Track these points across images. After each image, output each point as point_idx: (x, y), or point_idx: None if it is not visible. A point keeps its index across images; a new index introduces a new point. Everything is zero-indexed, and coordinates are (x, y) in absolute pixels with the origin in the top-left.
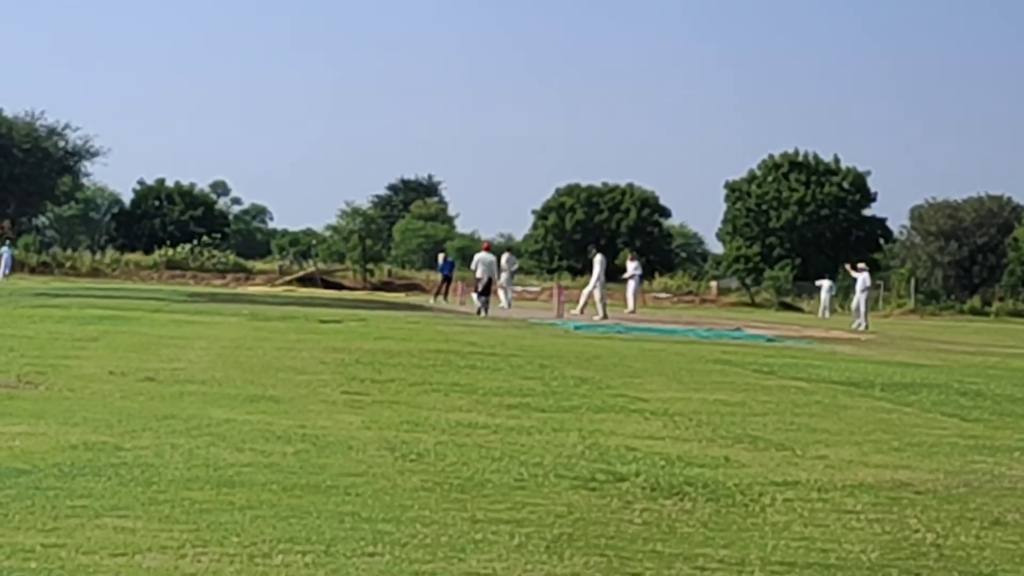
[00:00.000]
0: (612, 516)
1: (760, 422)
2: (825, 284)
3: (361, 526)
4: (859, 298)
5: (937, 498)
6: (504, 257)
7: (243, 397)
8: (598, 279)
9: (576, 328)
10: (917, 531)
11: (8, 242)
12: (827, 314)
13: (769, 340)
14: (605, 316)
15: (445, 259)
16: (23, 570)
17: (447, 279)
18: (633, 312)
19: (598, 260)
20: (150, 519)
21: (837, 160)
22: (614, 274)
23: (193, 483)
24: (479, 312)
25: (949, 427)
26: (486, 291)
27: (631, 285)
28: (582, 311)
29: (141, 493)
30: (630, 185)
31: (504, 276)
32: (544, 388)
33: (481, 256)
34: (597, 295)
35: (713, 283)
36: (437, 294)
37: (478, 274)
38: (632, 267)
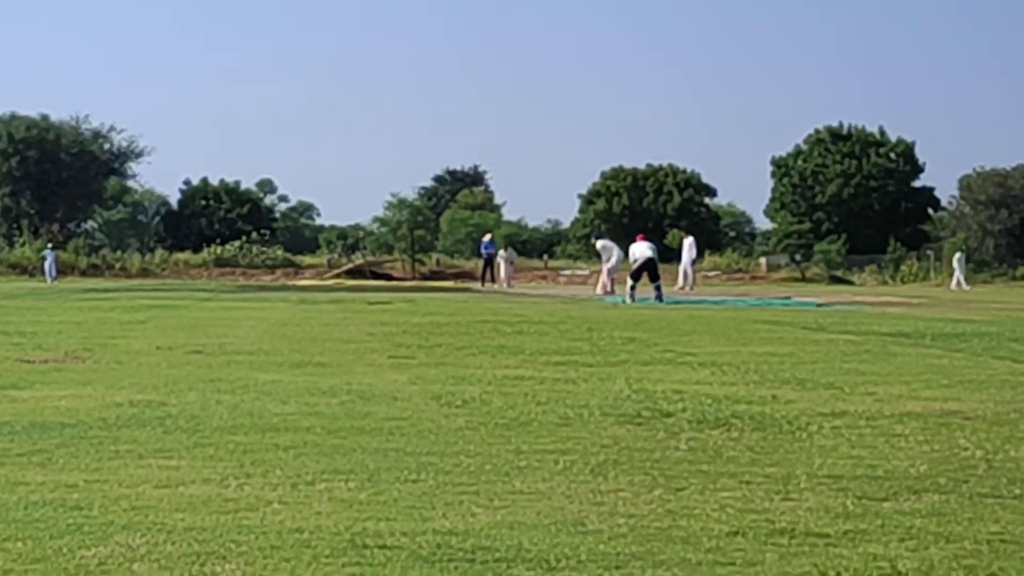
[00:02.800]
0: (658, 444)
1: (808, 368)
2: (957, 256)
3: (405, 459)
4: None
5: (987, 422)
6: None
7: (290, 364)
8: (609, 261)
9: (624, 302)
10: (966, 449)
11: (50, 245)
12: (966, 286)
13: (819, 306)
14: (611, 292)
15: (489, 241)
16: (66, 500)
17: (488, 261)
18: (682, 288)
19: (600, 245)
20: (194, 459)
21: (883, 131)
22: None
23: (238, 430)
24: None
25: (1000, 368)
26: None
27: (684, 262)
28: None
29: (186, 439)
30: (672, 166)
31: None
32: (591, 347)
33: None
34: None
35: (763, 259)
36: (483, 279)
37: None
38: (685, 245)
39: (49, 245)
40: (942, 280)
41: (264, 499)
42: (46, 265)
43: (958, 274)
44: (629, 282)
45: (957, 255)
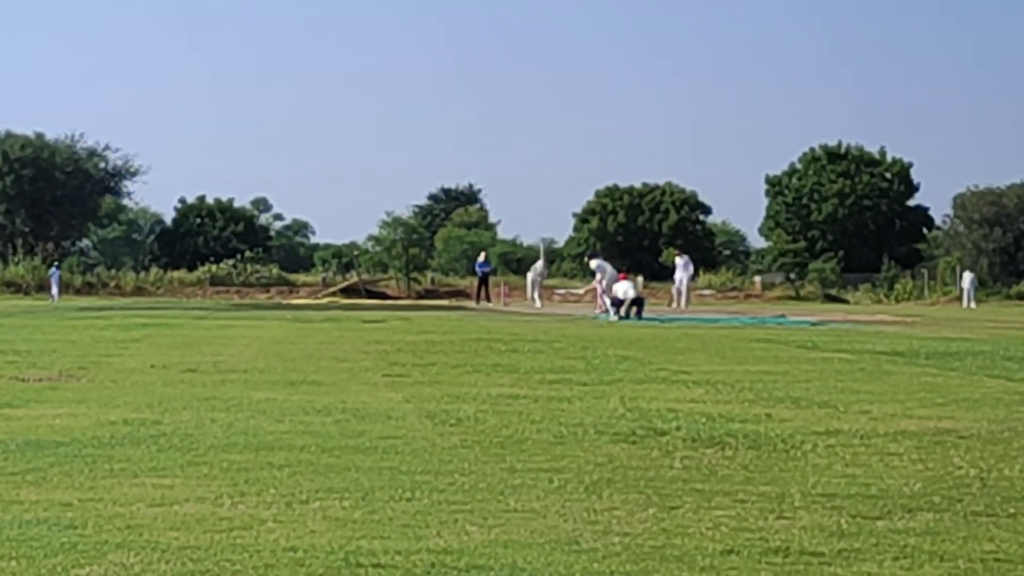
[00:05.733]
0: (652, 463)
1: (803, 387)
2: (967, 276)
3: (399, 478)
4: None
5: (981, 441)
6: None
7: (284, 382)
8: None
9: (619, 320)
10: (961, 468)
11: (55, 264)
12: (972, 304)
13: (813, 324)
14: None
15: (484, 259)
16: (60, 519)
17: (483, 280)
18: (677, 307)
19: (595, 265)
20: (188, 478)
21: (883, 151)
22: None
23: (232, 448)
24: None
25: (994, 386)
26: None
27: (679, 281)
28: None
29: (180, 457)
30: (669, 184)
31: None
32: (586, 366)
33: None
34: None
35: (757, 278)
36: (478, 298)
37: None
38: (680, 263)
39: (55, 264)
40: (936, 299)
41: (258, 518)
42: (52, 283)
43: (969, 293)
44: (612, 308)
45: (968, 275)
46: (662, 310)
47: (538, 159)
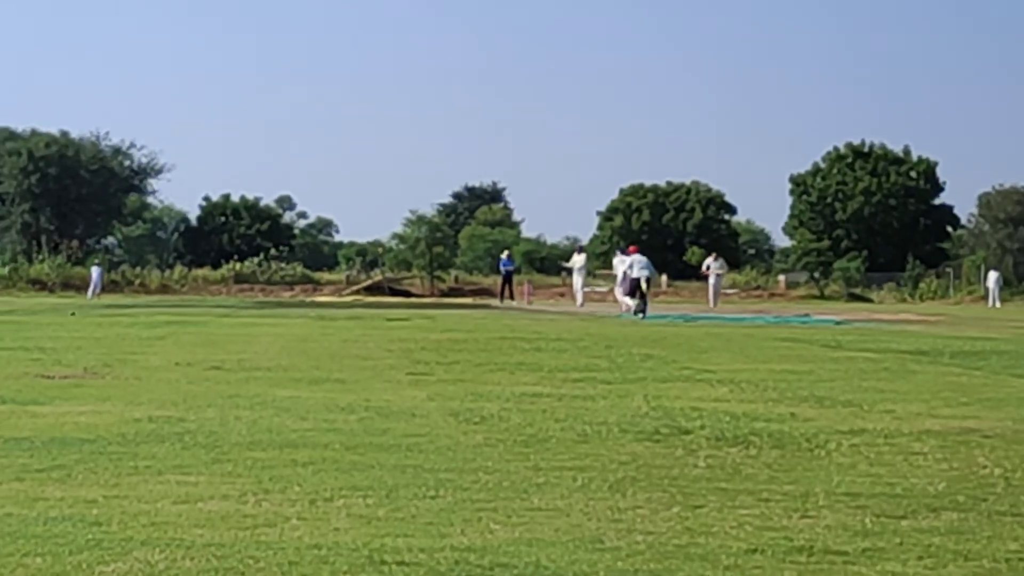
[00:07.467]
0: (676, 462)
1: (827, 386)
2: (992, 275)
3: (423, 475)
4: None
5: (1005, 440)
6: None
7: (308, 380)
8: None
9: (644, 318)
10: (985, 467)
11: (96, 262)
12: (997, 303)
13: (838, 323)
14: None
15: (508, 257)
16: (85, 516)
17: (507, 278)
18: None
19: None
20: (212, 475)
21: (907, 150)
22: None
23: (256, 446)
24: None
25: (1018, 386)
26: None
27: (712, 282)
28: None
29: (205, 455)
30: (695, 183)
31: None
32: (610, 364)
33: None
34: (615, 290)
35: (781, 277)
36: (503, 296)
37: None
38: (715, 266)
39: (96, 262)
40: (961, 298)
41: (282, 515)
42: (92, 281)
43: (994, 292)
44: (628, 300)
45: (993, 274)
46: (695, 310)
47: (562, 157)
